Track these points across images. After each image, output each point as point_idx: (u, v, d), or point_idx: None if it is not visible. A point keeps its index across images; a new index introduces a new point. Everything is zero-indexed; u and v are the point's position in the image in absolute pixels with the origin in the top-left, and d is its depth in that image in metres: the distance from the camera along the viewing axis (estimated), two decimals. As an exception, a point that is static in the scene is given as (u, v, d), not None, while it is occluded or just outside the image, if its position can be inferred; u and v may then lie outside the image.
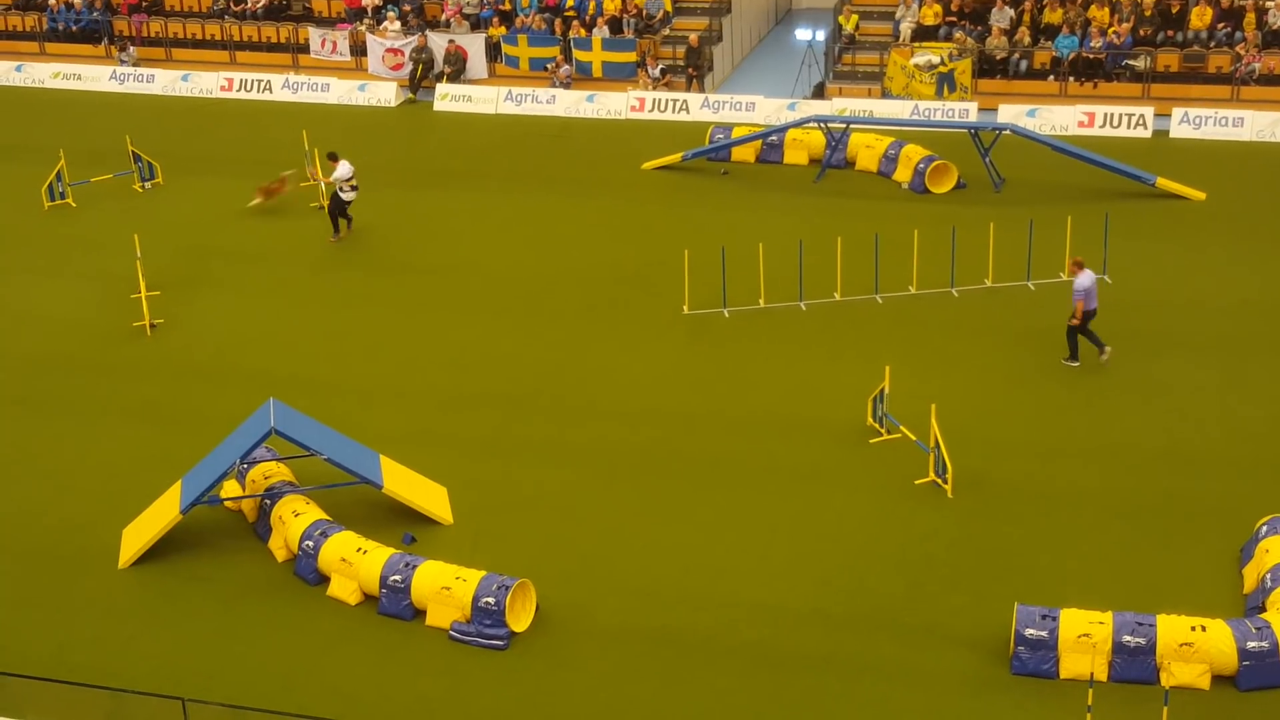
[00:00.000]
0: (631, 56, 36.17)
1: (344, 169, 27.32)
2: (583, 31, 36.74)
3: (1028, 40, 34.45)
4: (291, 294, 25.91)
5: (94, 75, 38.89)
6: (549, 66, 36.50)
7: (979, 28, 34.91)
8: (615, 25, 36.95)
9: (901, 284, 24.64)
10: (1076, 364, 22.04)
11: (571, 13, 37.59)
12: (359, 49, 38.33)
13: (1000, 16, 34.78)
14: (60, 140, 32.53)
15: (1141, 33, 33.90)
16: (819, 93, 35.14)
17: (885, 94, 34.10)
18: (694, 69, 35.91)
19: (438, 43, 37.50)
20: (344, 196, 27.57)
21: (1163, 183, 28.36)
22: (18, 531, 19.23)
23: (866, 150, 30.42)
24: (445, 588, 16.83)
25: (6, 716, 15.73)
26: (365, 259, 27.25)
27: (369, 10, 39.03)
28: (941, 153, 29.50)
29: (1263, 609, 16.21)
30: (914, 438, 19.98)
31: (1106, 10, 34.28)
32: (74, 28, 40.98)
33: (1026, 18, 34.79)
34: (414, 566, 17.10)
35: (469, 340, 23.88)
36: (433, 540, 18.48)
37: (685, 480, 19.73)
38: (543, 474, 20.01)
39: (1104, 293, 23.32)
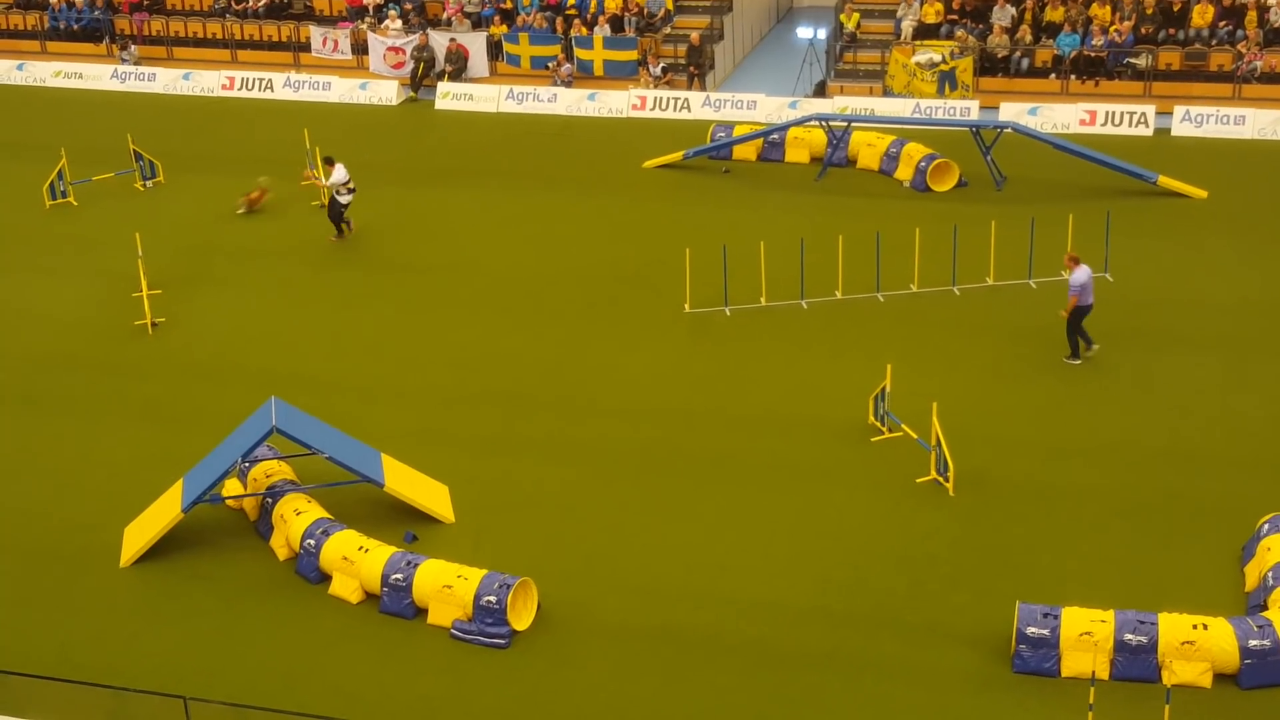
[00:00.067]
0: (633, 55, 36.15)
1: (339, 173, 27.21)
2: (584, 30, 36.72)
3: (1029, 38, 34.43)
4: (293, 292, 25.90)
5: (95, 74, 38.89)
6: (550, 65, 36.50)
7: (980, 26, 34.89)
8: (616, 24, 36.94)
9: (903, 282, 24.63)
10: (1078, 362, 22.03)
11: (573, 11, 37.57)
12: (360, 47, 38.34)
13: (1002, 14, 34.76)
14: (62, 139, 32.51)
15: (1143, 31, 33.88)
16: (820, 91, 35.12)
17: (887, 92, 34.06)
18: (695, 67, 35.89)
19: (439, 41, 37.50)
20: (341, 200, 27.48)
21: (1164, 181, 28.33)
22: (19, 530, 19.23)
23: (868, 148, 30.40)
24: (447, 586, 16.83)
25: (9, 715, 15.72)
26: (367, 257, 27.24)
27: (370, 9, 39.03)
28: (943, 151, 29.48)
29: (1264, 607, 16.20)
30: (915, 436, 19.97)
31: (1108, 8, 34.26)
32: (75, 26, 40.98)
33: (1028, 16, 34.76)
34: (415, 565, 17.10)
35: (470, 338, 23.87)
36: (434, 539, 18.48)
37: (687, 478, 19.72)
38: (544, 472, 20.00)
39: (1106, 291, 23.32)
